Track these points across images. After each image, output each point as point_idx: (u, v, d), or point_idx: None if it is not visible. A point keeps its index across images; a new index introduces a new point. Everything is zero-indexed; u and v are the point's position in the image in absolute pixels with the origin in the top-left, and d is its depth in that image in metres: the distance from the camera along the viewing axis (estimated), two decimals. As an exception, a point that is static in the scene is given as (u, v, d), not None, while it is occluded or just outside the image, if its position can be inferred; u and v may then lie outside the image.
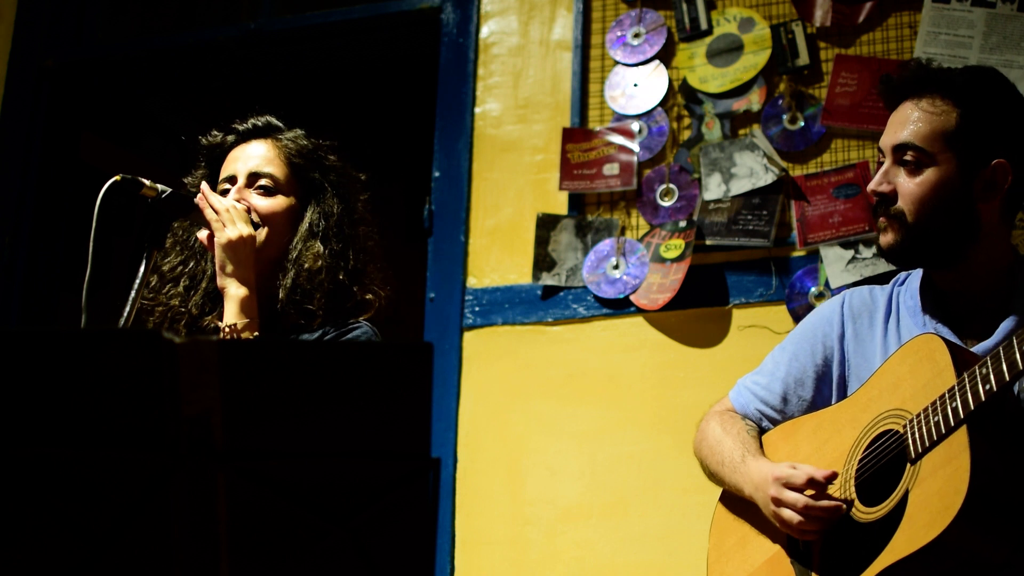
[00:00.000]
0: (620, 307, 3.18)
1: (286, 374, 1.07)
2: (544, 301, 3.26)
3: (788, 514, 1.89)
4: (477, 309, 3.31)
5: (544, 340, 3.24)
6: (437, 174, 3.47)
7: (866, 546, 1.80)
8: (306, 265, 2.15)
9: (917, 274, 2.07)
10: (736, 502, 2.11)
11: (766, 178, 3.11)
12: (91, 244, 2.04)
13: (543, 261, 3.28)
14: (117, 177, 2.05)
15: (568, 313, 3.23)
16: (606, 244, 3.22)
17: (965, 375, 1.73)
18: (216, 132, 2.31)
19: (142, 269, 2.04)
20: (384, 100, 5.17)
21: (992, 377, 1.68)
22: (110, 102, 4.44)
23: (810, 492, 1.89)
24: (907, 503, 1.75)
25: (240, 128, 2.29)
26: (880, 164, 2.00)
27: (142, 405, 1.04)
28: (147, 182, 2.09)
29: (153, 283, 2.24)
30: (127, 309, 1.99)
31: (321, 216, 2.21)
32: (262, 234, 2.17)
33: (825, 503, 1.87)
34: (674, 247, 3.15)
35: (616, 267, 3.19)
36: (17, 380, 1.04)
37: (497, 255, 3.36)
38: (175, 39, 4.20)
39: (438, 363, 3.26)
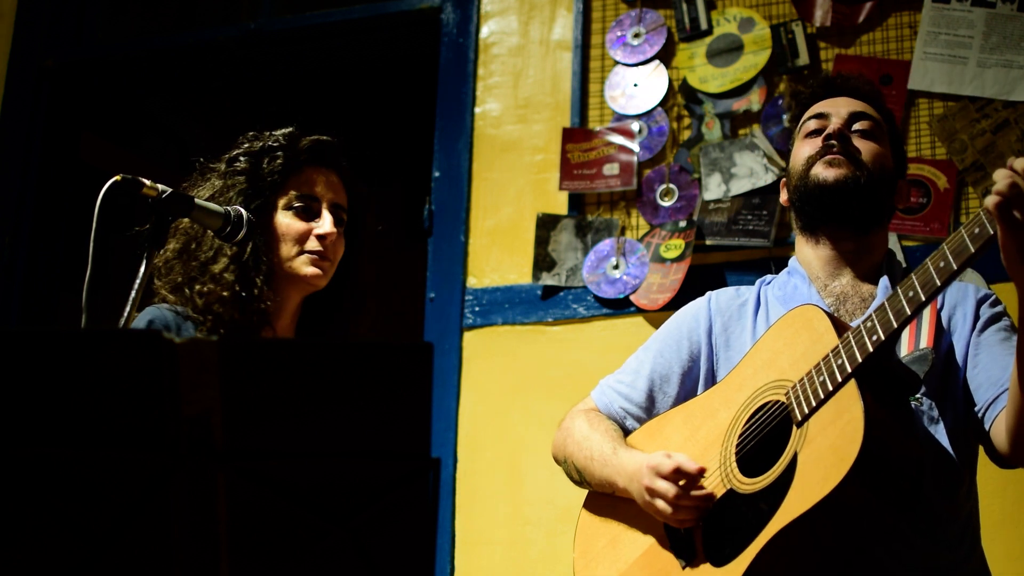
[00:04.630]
0: (620, 307, 3.18)
1: (286, 374, 1.08)
2: (544, 301, 3.26)
3: (661, 504, 1.86)
4: (477, 309, 3.31)
5: (544, 340, 3.24)
6: (437, 174, 3.47)
7: (753, 518, 1.75)
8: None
9: (784, 273, 2.11)
10: (603, 503, 2.06)
11: (766, 178, 3.11)
12: (91, 244, 2.04)
13: (543, 261, 3.27)
14: (117, 177, 2.05)
15: (568, 313, 3.23)
16: (606, 244, 3.22)
17: (849, 333, 1.72)
18: (307, 140, 2.25)
19: (142, 269, 2.04)
20: (384, 100, 5.17)
21: (879, 328, 1.67)
22: (110, 102, 4.44)
23: (682, 481, 1.86)
24: (796, 465, 1.70)
25: (326, 153, 2.25)
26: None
27: (142, 405, 1.04)
28: (147, 182, 2.09)
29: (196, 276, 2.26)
30: (127, 309, 1.99)
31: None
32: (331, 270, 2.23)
33: (695, 492, 1.83)
34: (674, 247, 3.15)
35: (616, 267, 3.19)
36: (17, 380, 1.04)
37: (497, 255, 3.36)
38: (175, 39, 4.21)
39: (438, 363, 3.26)
